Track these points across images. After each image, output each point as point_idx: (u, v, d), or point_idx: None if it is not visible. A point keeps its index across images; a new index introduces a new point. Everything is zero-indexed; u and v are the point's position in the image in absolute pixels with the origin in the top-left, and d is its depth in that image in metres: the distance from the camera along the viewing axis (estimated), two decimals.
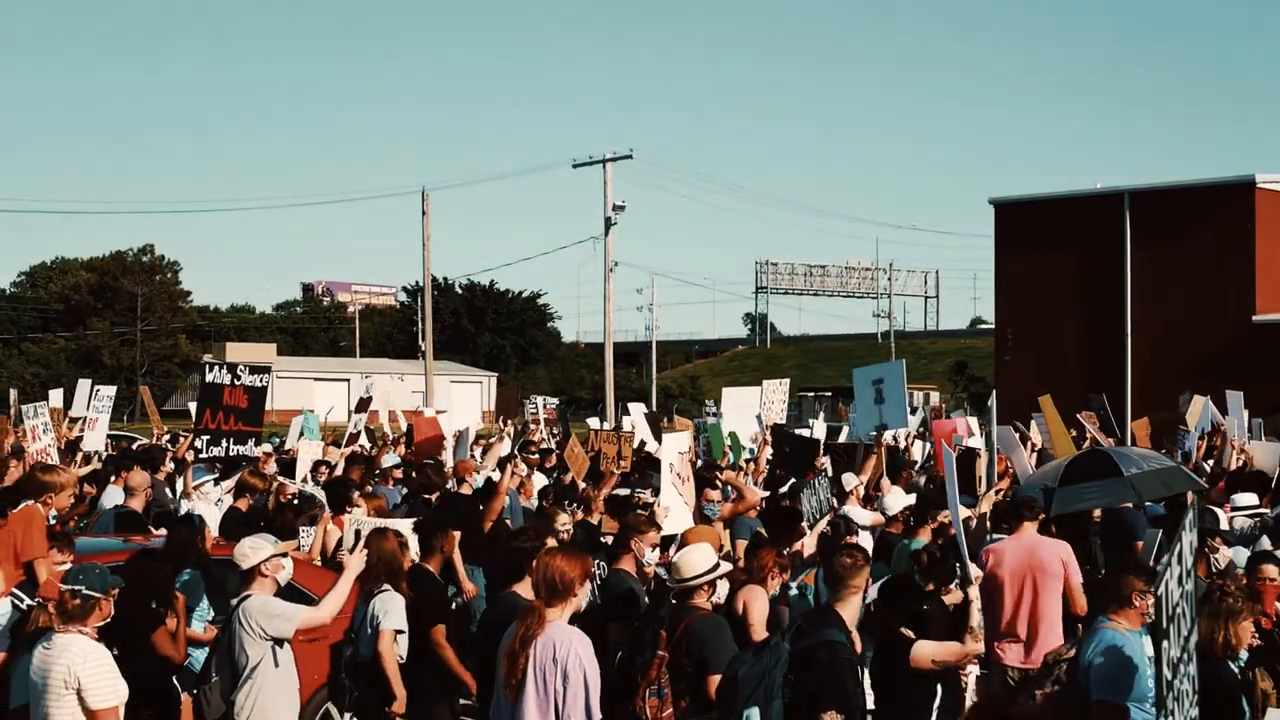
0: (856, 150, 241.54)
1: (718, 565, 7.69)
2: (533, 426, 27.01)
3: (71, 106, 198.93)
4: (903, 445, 17.88)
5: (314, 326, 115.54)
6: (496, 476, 13.66)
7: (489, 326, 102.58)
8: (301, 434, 21.97)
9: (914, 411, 27.33)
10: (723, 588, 7.78)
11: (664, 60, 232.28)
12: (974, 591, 7.82)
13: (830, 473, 13.31)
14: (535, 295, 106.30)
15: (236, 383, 13.47)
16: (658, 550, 8.98)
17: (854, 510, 11.94)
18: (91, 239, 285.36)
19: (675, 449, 10.76)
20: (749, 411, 19.80)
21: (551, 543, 7.92)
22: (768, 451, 17.18)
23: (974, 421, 20.31)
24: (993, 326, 49.30)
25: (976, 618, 7.59)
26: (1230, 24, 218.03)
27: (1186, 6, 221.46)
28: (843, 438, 23.02)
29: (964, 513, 11.51)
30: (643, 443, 20.56)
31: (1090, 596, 9.41)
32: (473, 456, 17.30)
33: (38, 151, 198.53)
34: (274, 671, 7.49)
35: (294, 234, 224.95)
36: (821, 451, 15.97)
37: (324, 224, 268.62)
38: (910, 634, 7.43)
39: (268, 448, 17.46)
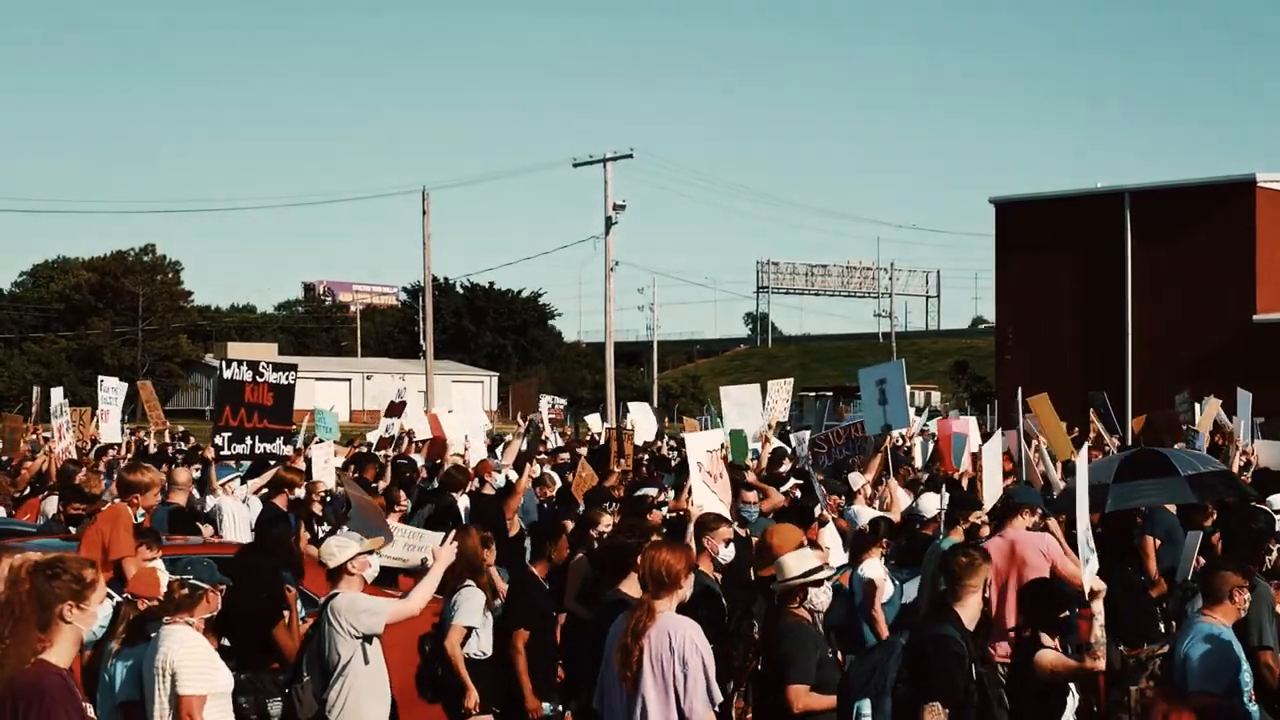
0: (857, 150, 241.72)
1: (820, 568, 7.64)
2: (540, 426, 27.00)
3: (72, 107, 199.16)
4: (904, 445, 17.99)
5: (315, 326, 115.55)
6: (514, 476, 13.79)
7: (490, 326, 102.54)
8: (313, 432, 22.10)
9: (919, 412, 27.38)
10: (823, 596, 7.63)
11: (664, 60, 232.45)
12: (1097, 606, 7.21)
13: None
14: (536, 295, 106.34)
15: (259, 379, 13.31)
16: (731, 546, 9.01)
17: (860, 509, 12.01)
18: (93, 239, 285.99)
19: (704, 447, 10.73)
20: (749, 410, 19.81)
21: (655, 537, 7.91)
22: (769, 449, 17.24)
23: (972, 421, 20.32)
24: (994, 326, 49.32)
25: (1097, 633, 7.08)
26: (1230, 24, 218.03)
27: (1186, 7, 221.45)
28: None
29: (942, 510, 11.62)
30: (648, 442, 20.60)
31: (1134, 591, 9.48)
32: (493, 455, 17.38)
33: (39, 152, 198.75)
34: (364, 668, 7.53)
35: (295, 234, 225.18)
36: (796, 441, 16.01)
37: (325, 224, 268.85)
38: (1049, 640, 7.27)
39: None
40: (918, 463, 18.31)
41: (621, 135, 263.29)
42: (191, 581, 6.69)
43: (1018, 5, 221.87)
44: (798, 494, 14.35)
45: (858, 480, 12.52)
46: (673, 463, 19.54)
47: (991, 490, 11.87)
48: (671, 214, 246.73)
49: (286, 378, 13.72)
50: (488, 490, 14.02)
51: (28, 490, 15.48)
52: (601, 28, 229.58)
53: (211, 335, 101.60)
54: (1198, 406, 21.03)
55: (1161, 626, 10.22)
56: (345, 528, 9.26)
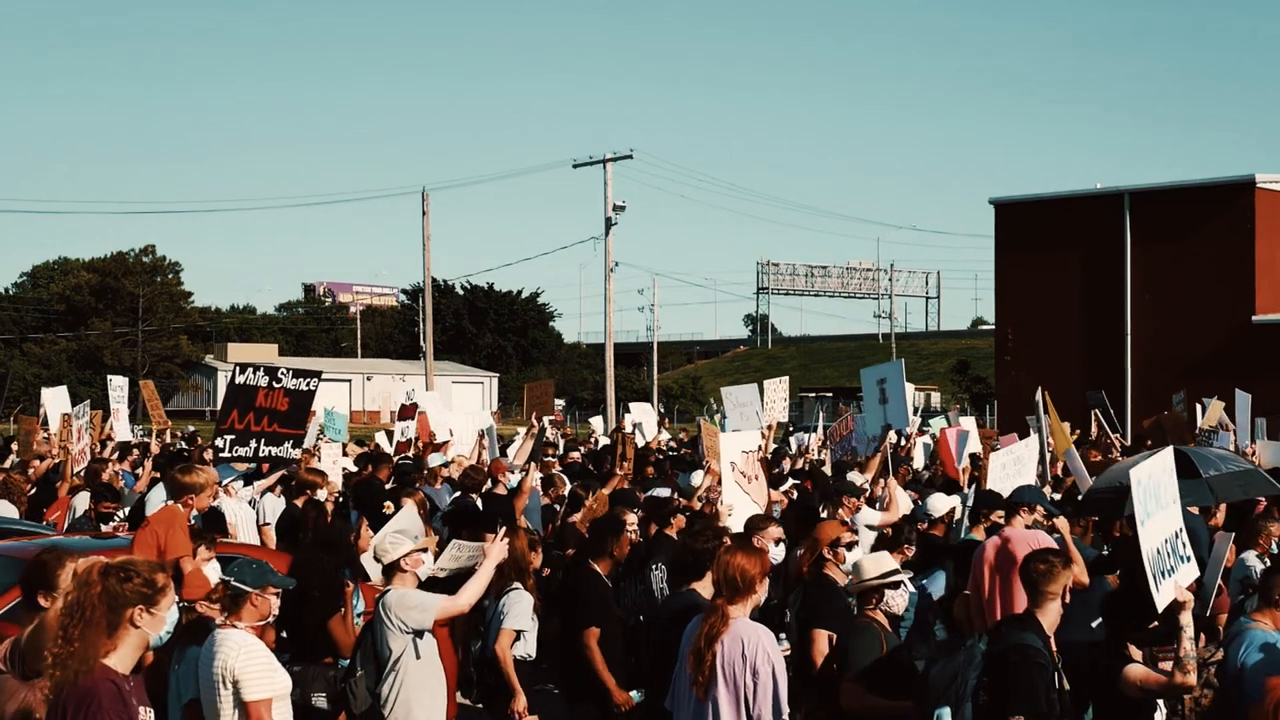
0: (857, 151, 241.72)
1: (896, 571, 7.62)
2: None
3: (73, 108, 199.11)
4: (905, 445, 18.02)
5: (315, 327, 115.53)
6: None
7: (490, 327, 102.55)
8: (323, 432, 22.09)
9: (916, 412, 27.42)
10: (899, 599, 7.59)
11: (664, 60, 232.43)
12: (1186, 618, 6.79)
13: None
14: (536, 296, 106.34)
15: (276, 385, 13.09)
16: (781, 545, 9.00)
17: (862, 510, 12.01)
18: (93, 239, 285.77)
19: (738, 448, 10.69)
20: (750, 410, 19.83)
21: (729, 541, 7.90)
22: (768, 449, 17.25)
23: (972, 421, 20.33)
24: (994, 327, 49.32)
25: (1187, 646, 6.74)
26: (1230, 24, 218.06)
27: (1186, 8, 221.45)
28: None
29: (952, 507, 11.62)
30: (660, 441, 20.57)
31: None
32: (504, 454, 17.40)
33: (39, 152, 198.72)
34: (416, 663, 7.57)
35: (295, 235, 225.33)
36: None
37: (326, 225, 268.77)
38: (1136, 652, 7.01)
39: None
40: (917, 463, 18.34)
41: (621, 136, 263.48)
42: (234, 584, 6.64)
43: (1017, 6, 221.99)
44: (794, 494, 14.37)
45: (856, 479, 12.52)
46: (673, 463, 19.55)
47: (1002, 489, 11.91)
48: (671, 215, 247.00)
49: (308, 384, 13.42)
50: (500, 489, 14.06)
51: (34, 490, 15.45)
52: (601, 29, 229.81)
53: (211, 336, 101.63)
54: (1198, 407, 21.06)
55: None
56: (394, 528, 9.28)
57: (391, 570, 7.82)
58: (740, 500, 10.26)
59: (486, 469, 15.53)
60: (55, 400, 21.82)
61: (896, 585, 7.54)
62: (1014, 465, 12.74)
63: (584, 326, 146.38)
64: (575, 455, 23.01)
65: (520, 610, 8.48)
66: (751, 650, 6.43)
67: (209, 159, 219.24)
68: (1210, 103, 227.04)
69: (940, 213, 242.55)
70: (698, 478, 13.20)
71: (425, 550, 8.03)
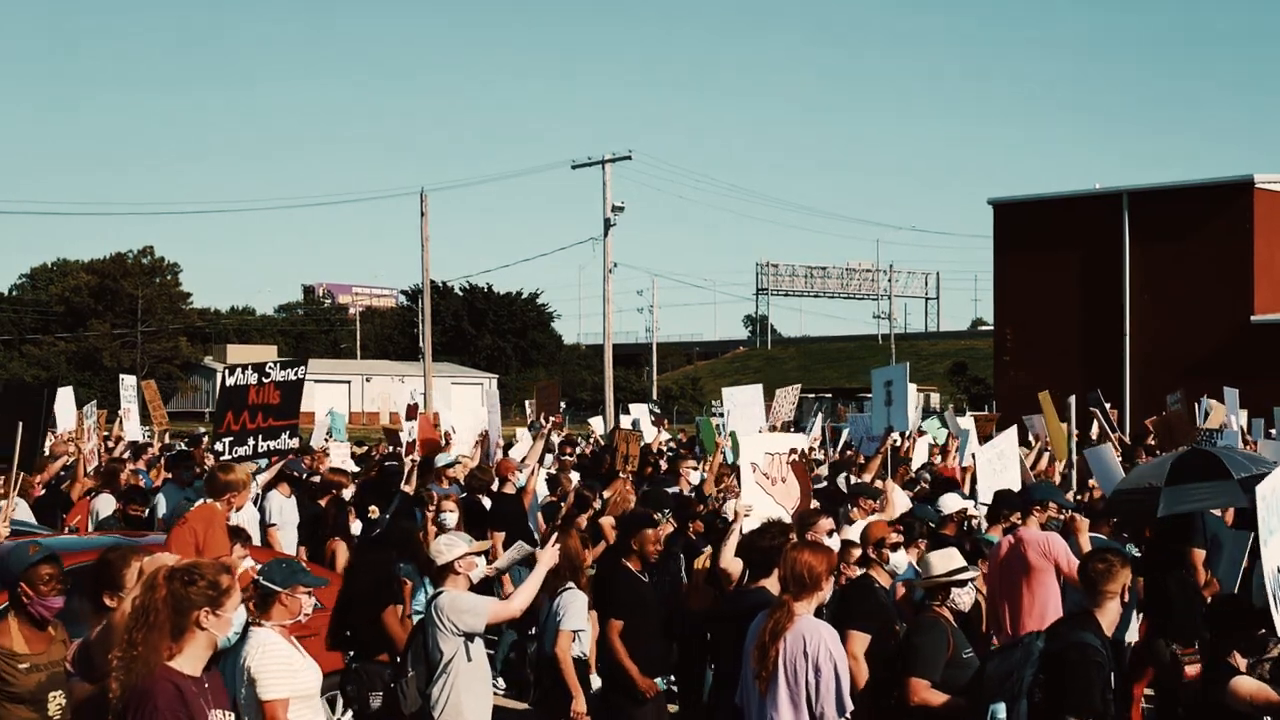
0: (857, 151, 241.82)
1: (965, 568, 7.61)
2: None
3: (72, 109, 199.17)
4: (905, 446, 18.06)
5: (314, 329, 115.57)
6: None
7: (489, 328, 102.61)
8: (330, 434, 22.08)
9: (917, 409, 27.43)
10: (966, 596, 7.57)
11: (663, 61, 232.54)
12: None
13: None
14: (535, 297, 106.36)
15: (265, 380, 13.19)
16: (835, 536, 8.99)
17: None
18: (92, 241, 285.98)
19: (761, 449, 10.64)
20: (752, 410, 19.82)
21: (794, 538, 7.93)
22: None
23: (970, 420, 20.35)
24: (993, 327, 49.33)
25: None
26: (1228, 24, 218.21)
27: (1185, 8, 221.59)
28: (844, 438, 23.14)
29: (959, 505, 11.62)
30: (660, 441, 20.51)
31: (1188, 591, 9.41)
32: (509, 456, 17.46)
33: (38, 154, 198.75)
34: (466, 666, 7.59)
35: (294, 236, 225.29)
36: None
37: (325, 226, 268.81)
38: (1240, 661, 6.77)
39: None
40: (916, 463, 18.34)
41: (620, 137, 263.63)
42: (263, 583, 6.64)
43: (1016, 7, 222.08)
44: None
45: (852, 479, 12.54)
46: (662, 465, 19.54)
47: (987, 487, 11.91)
48: (670, 216, 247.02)
49: (296, 373, 13.56)
50: (509, 489, 14.10)
51: (43, 491, 15.41)
52: (600, 29, 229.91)
53: (210, 337, 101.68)
54: (1197, 407, 21.05)
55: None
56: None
57: (444, 572, 7.82)
58: (761, 501, 10.16)
59: (494, 470, 15.61)
60: (65, 401, 22.02)
61: (964, 583, 7.54)
62: (998, 461, 12.74)
63: (583, 328, 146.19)
64: (570, 451, 23.07)
65: (576, 610, 8.52)
66: (814, 646, 6.52)
67: (208, 160, 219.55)
68: (1209, 103, 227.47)
69: (940, 213, 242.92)
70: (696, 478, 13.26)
71: (481, 554, 8.06)
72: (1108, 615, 6.65)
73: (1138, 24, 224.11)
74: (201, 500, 9.39)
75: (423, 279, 53.66)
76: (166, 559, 5.45)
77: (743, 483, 10.39)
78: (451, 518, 11.98)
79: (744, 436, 11.68)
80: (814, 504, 10.78)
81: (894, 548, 8.81)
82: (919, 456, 18.93)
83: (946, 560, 7.59)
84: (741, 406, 20.07)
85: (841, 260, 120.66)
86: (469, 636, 7.62)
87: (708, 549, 10.82)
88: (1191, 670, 9.11)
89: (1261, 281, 38.95)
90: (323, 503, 13.23)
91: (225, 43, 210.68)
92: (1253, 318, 38.75)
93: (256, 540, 12.55)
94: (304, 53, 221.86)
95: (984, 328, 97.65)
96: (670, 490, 13.07)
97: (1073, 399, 12.23)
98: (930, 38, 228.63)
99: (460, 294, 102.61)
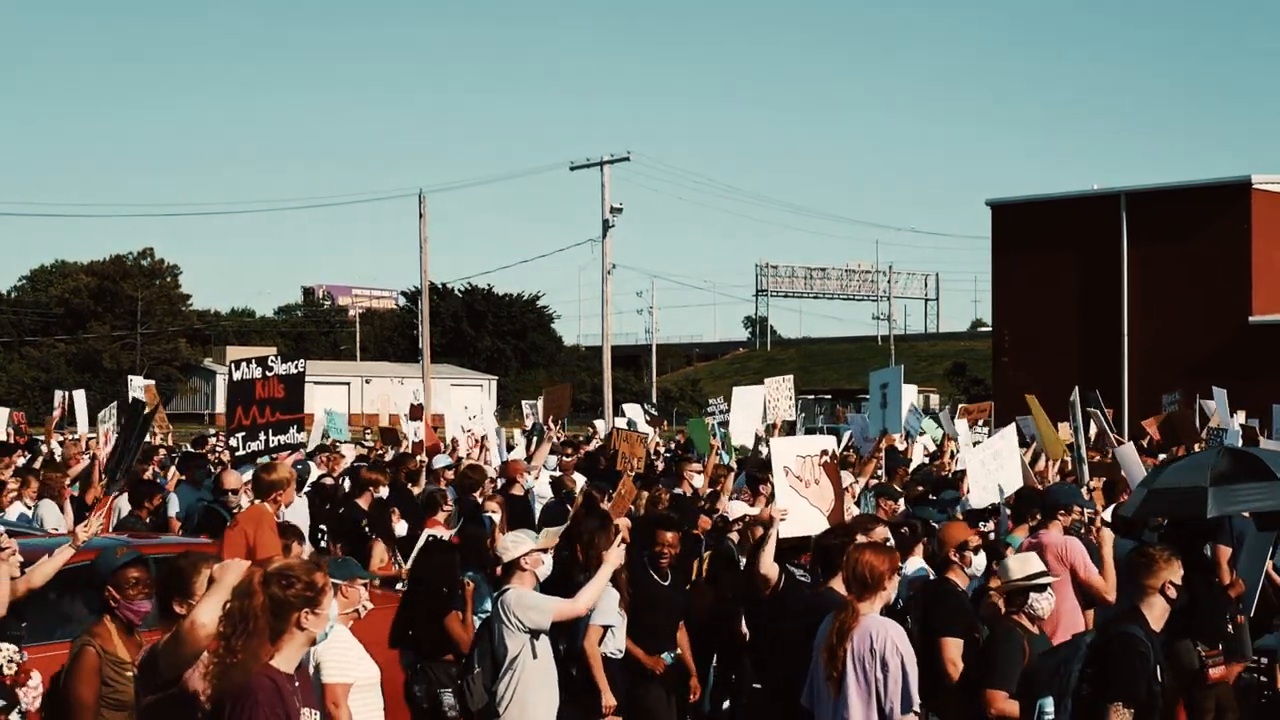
0: (856, 153, 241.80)
1: (1043, 573, 7.54)
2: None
3: (71, 111, 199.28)
4: (901, 445, 18.10)
5: (314, 330, 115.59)
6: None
7: (489, 330, 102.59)
8: (327, 435, 22.07)
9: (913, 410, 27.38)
10: (1045, 602, 7.50)
11: (661, 63, 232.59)
12: None
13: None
14: (534, 298, 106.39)
15: (269, 374, 13.27)
16: (890, 541, 8.97)
17: (735, 504, 12.07)
18: (91, 243, 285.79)
19: (793, 453, 10.63)
20: (756, 411, 19.80)
21: (860, 539, 7.90)
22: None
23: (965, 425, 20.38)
24: (992, 329, 49.37)
25: None
26: (1227, 25, 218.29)
27: (1183, 9, 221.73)
28: (844, 440, 23.14)
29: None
30: (657, 442, 20.50)
31: (1214, 592, 9.35)
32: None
33: (38, 155, 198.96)
34: (532, 662, 7.63)
35: (294, 238, 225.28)
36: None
37: (324, 228, 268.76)
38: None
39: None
40: (914, 464, 18.37)
41: (618, 138, 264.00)
42: None
43: (1015, 8, 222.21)
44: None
45: (846, 479, 12.49)
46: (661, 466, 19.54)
47: (979, 487, 11.92)
48: (669, 217, 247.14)
49: (296, 367, 13.70)
50: (516, 490, 14.14)
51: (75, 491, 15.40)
52: (598, 31, 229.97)
53: (210, 339, 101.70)
54: (1199, 407, 21.08)
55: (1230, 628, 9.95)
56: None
57: (511, 569, 7.87)
58: (796, 504, 10.11)
59: (497, 470, 15.66)
60: (79, 404, 22.55)
61: (1043, 588, 7.45)
62: (993, 461, 12.67)
63: (583, 329, 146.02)
64: (570, 453, 23.09)
65: (607, 605, 8.49)
66: (881, 644, 6.64)
67: (207, 162, 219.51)
68: (1207, 104, 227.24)
69: (939, 214, 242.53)
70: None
71: (546, 551, 8.11)
72: (1154, 610, 6.56)
73: (1137, 25, 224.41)
74: (250, 501, 9.46)
75: (422, 280, 53.68)
76: (240, 564, 5.43)
77: (776, 487, 10.34)
78: (495, 518, 12.06)
79: (774, 441, 11.62)
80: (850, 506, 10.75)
81: (976, 550, 8.61)
82: (918, 457, 19.00)
83: (1024, 565, 7.50)
84: (747, 406, 20.03)
85: (841, 261, 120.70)
86: (535, 633, 7.65)
87: (708, 551, 10.86)
88: (1216, 673, 9.08)
89: (1259, 282, 39.02)
90: (362, 502, 13.40)
91: (225, 45, 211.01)
92: (1250, 318, 38.82)
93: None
94: (303, 55, 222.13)
95: (983, 329, 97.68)
96: (675, 491, 13.14)
97: (1076, 393, 12.18)
98: (930, 39, 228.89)
99: (460, 295, 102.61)
